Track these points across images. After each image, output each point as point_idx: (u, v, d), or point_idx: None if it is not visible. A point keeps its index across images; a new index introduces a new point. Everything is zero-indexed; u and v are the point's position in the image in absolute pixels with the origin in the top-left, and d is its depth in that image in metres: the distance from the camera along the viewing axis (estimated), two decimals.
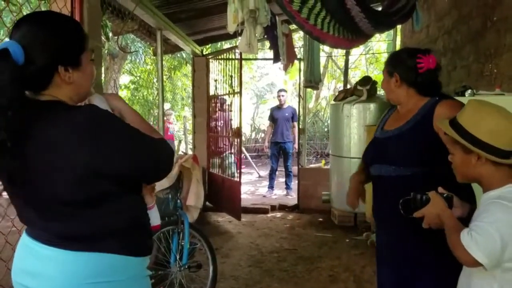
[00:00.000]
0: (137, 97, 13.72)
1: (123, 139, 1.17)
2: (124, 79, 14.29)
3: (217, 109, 6.01)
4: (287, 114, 7.08)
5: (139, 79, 13.86)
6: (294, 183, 6.85)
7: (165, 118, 10.29)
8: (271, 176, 7.14)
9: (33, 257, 1.20)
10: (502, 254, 1.22)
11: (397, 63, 1.83)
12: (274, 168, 7.12)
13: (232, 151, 5.90)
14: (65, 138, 1.11)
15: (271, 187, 7.13)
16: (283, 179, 7.33)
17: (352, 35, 2.03)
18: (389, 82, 1.83)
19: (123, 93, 14.12)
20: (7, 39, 1.18)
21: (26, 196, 1.18)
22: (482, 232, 1.22)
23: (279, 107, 7.21)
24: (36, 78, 1.16)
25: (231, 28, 2.61)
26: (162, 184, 3.03)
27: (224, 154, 5.89)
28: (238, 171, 5.38)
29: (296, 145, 7.02)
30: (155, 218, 1.62)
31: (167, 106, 14.12)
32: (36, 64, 1.14)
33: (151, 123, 12.15)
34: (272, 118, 7.23)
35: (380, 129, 1.93)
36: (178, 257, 3.00)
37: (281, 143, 7.05)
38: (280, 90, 7.48)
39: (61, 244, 1.16)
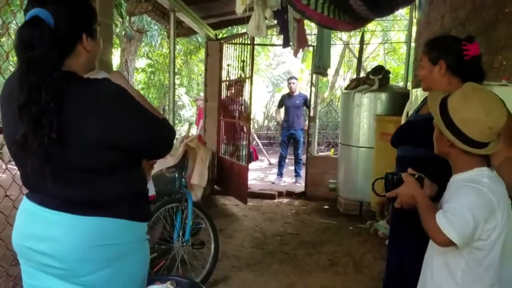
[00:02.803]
0: (153, 81, 13.86)
1: (135, 115, 1.25)
2: (141, 62, 14.43)
3: (229, 94, 6.05)
4: (298, 102, 7.06)
5: (156, 62, 13.97)
6: (304, 171, 6.89)
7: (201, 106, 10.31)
8: (280, 163, 7.19)
9: (40, 222, 1.25)
10: (474, 234, 1.29)
11: (442, 50, 1.74)
12: (284, 155, 7.16)
13: (242, 137, 5.93)
14: (81, 109, 1.18)
15: (280, 174, 7.18)
16: (293, 167, 7.37)
17: (349, 18, 2.04)
18: (432, 71, 1.76)
19: (140, 77, 14.29)
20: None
21: (48, 166, 1.18)
22: (456, 213, 1.29)
23: (289, 95, 7.20)
24: (64, 44, 1.22)
25: (239, 9, 2.64)
26: (168, 163, 3.11)
27: (239, 143, 5.93)
28: (246, 155, 5.44)
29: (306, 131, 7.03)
30: (151, 189, 1.75)
31: (182, 90, 14.24)
32: (63, 31, 1.20)
33: (166, 107, 12.28)
34: (283, 106, 7.24)
35: (415, 114, 1.94)
36: (181, 233, 3.09)
37: (291, 130, 7.08)
38: (291, 78, 7.42)
39: (70, 209, 1.23)
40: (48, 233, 1.24)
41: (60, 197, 1.24)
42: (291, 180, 7.15)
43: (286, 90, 7.49)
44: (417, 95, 3.01)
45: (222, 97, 6.09)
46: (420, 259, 1.59)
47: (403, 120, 3.18)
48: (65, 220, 1.23)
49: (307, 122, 7.11)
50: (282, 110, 7.35)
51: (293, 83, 7.17)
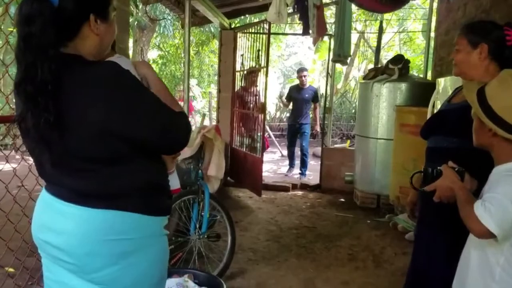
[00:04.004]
0: (165, 72, 13.82)
1: (141, 103, 1.15)
2: (153, 53, 14.40)
3: (243, 84, 5.94)
4: (307, 96, 6.70)
5: (167, 54, 13.93)
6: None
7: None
8: (291, 157, 6.99)
9: (54, 214, 1.22)
10: None
11: (484, 33, 1.65)
12: (292, 149, 6.93)
13: (257, 128, 5.81)
14: (83, 93, 1.11)
15: (292, 166, 7.00)
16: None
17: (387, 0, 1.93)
18: (470, 54, 1.66)
19: None
20: None
21: (46, 151, 1.17)
22: (496, 203, 1.23)
23: (299, 88, 6.81)
24: (68, 25, 1.15)
25: None
26: (184, 154, 3.04)
27: (254, 135, 5.80)
28: (261, 147, 5.35)
29: (317, 126, 6.87)
30: (175, 182, 1.62)
31: (193, 82, 14.19)
32: (69, 10, 1.14)
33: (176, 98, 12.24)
34: (291, 99, 6.88)
35: (446, 103, 1.86)
36: (197, 225, 3.03)
37: (298, 124, 6.74)
38: (302, 70, 6.99)
39: (81, 201, 1.18)
40: (60, 225, 1.20)
41: (70, 188, 1.19)
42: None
43: (297, 82, 7.21)
44: (445, 84, 2.89)
45: (236, 88, 5.99)
46: (451, 259, 1.53)
47: (429, 110, 3.06)
48: (75, 213, 1.18)
49: (316, 116, 6.88)
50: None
51: (305, 75, 6.79)
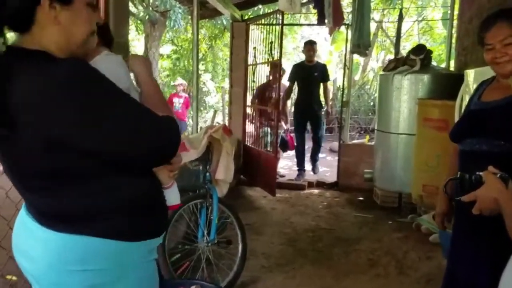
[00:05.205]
0: (179, 67, 13.67)
1: (105, 109, 0.94)
2: (166, 49, 14.27)
3: (254, 79, 5.69)
4: (316, 74, 5.64)
5: (181, 48, 13.76)
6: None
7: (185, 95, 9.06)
8: (301, 157, 5.94)
9: (25, 234, 1.08)
10: None
11: None
12: (301, 147, 5.93)
13: (271, 124, 5.56)
14: (35, 96, 0.91)
15: (302, 169, 5.98)
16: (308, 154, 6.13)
17: None
18: None
19: (165, 63, 14.14)
20: None
21: (8, 165, 1.02)
22: None
23: (306, 64, 5.74)
24: (13, 12, 0.94)
25: None
26: (190, 156, 2.84)
27: (269, 131, 5.47)
28: (275, 144, 5.12)
29: (329, 107, 6.09)
30: (173, 197, 1.38)
31: (207, 76, 14.01)
32: None
33: (191, 93, 12.06)
34: (296, 78, 5.82)
35: (477, 100, 1.65)
36: (206, 232, 2.83)
37: (308, 110, 5.77)
38: (311, 42, 5.75)
39: (45, 222, 1.01)
40: (30, 248, 1.05)
41: (34, 206, 1.03)
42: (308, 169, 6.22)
43: None
44: (475, 77, 2.61)
45: (248, 82, 5.74)
46: (493, 273, 1.30)
47: (457, 105, 2.78)
48: (41, 235, 1.02)
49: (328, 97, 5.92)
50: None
51: (313, 49, 5.63)
